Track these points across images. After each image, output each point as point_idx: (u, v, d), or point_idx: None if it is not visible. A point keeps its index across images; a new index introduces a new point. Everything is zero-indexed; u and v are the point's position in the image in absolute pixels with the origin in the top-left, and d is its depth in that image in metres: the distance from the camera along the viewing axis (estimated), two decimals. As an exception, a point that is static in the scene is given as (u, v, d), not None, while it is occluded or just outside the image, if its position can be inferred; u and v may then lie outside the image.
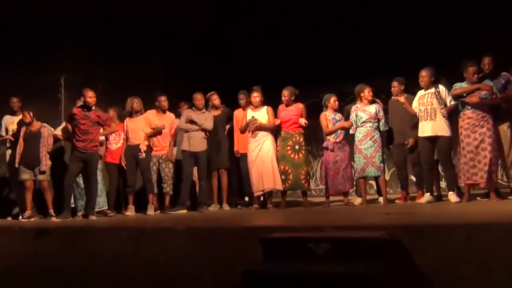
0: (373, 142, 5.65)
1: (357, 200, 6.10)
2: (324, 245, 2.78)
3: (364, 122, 5.72)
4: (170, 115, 6.58)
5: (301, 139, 5.95)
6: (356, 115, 5.78)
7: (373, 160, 5.63)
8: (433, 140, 5.32)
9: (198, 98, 6.39)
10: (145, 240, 3.69)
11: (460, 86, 5.22)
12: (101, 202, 6.16)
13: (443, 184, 6.03)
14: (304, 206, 5.93)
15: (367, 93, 5.78)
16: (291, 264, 2.80)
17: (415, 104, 5.47)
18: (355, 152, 5.77)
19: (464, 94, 5.17)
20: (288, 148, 5.89)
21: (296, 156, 5.87)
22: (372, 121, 5.71)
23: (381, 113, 5.79)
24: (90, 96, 5.69)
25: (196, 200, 6.40)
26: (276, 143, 5.98)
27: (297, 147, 5.90)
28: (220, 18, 7.63)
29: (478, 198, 5.42)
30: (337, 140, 5.85)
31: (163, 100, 6.48)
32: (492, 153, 5.02)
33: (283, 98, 6.03)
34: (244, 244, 3.24)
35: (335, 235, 2.90)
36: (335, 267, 2.76)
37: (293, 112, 5.99)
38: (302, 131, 5.99)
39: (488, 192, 5.24)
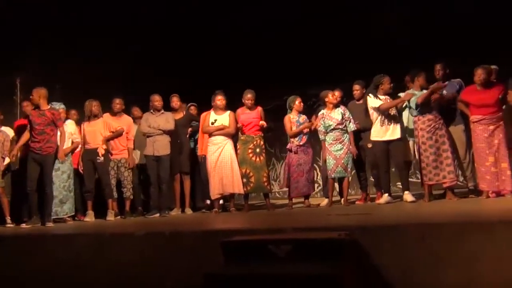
0: (342, 144, 5.79)
1: (324, 201, 6.19)
2: (284, 247, 2.81)
3: (332, 129, 5.82)
4: (127, 118, 6.48)
5: (261, 142, 6.01)
6: (324, 122, 5.88)
7: (342, 161, 5.77)
8: (388, 143, 5.51)
9: (156, 99, 6.32)
10: (104, 246, 3.62)
11: (413, 93, 5.41)
12: (67, 209, 6.00)
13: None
14: (267, 209, 5.97)
15: (330, 97, 5.88)
16: (251, 266, 2.82)
17: (378, 103, 5.60)
18: (327, 155, 5.87)
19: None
20: (249, 151, 5.92)
21: (258, 159, 5.92)
22: (340, 126, 5.83)
23: (347, 115, 5.89)
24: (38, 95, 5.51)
25: (149, 204, 6.32)
26: (236, 147, 5.98)
27: (258, 150, 5.95)
28: (180, 19, 7.53)
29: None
30: (301, 143, 5.93)
31: (118, 103, 6.38)
32: (453, 153, 5.26)
33: (248, 101, 6.04)
34: (205, 248, 3.23)
35: (295, 236, 2.94)
36: (295, 268, 2.79)
37: (253, 116, 6.03)
38: (262, 134, 6.03)
39: (445, 192, 5.44)
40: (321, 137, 5.89)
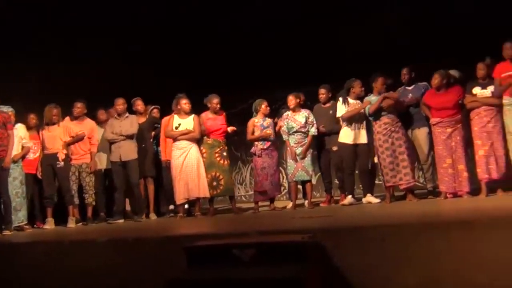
0: (303, 148, 5.87)
1: (289, 205, 6.24)
2: (248, 251, 2.82)
3: (295, 131, 5.89)
4: (89, 122, 6.33)
5: (226, 147, 6.04)
6: (287, 124, 5.94)
7: (303, 164, 5.83)
8: (355, 146, 5.64)
9: (119, 103, 6.22)
10: (64, 254, 3.53)
11: (370, 100, 5.57)
12: (22, 216, 5.79)
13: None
14: (234, 212, 5.96)
15: (289, 101, 5.98)
16: (215, 271, 2.80)
17: (342, 112, 5.72)
18: (287, 158, 5.90)
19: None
20: (217, 155, 5.92)
21: (225, 162, 5.93)
22: (303, 130, 5.90)
23: (311, 119, 5.96)
24: None
25: (112, 210, 6.22)
26: (202, 150, 5.95)
27: (224, 153, 5.97)
28: (139, 22, 7.42)
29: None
30: (265, 147, 5.96)
31: (79, 107, 6.23)
32: (410, 156, 5.39)
33: (215, 105, 6.02)
34: (169, 253, 3.19)
35: (259, 240, 2.95)
36: (259, 272, 2.80)
37: (221, 121, 6.02)
38: (226, 140, 6.05)
39: (405, 193, 5.58)
40: (284, 137, 5.96)
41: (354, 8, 6.90)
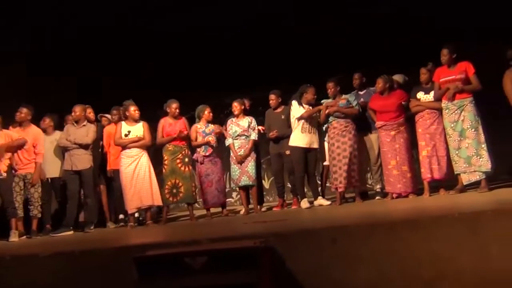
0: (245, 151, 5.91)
1: (243, 210, 6.24)
2: (200, 259, 2.79)
3: (238, 135, 5.95)
4: (34, 129, 6.01)
5: (189, 152, 5.95)
6: (232, 128, 5.98)
7: (246, 169, 5.87)
8: (306, 151, 5.75)
9: (75, 110, 6.01)
10: (4, 270, 3.35)
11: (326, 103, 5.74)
12: None
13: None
14: (191, 219, 5.89)
15: (233, 108, 6.05)
16: (166, 281, 2.76)
17: (300, 112, 5.78)
18: (231, 163, 5.93)
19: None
20: (178, 161, 5.83)
21: (186, 169, 5.85)
22: (246, 134, 5.96)
23: (253, 124, 6.03)
24: None
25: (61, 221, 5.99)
26: (163, 157, 5.86)
27: (186, 160, 5.87)
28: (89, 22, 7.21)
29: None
30: (207, 154, 5.94)
31: (22, 112, 5.91)
32: (352, 160, 5.53)
33: (174, 110, 5.92)
34: (118, 265, 3.11)
35: (211, 247, 2.93)
36: (212, 279, 2.78)
37: (180, 126, 5.93)
38: (188, 145, 5.97)
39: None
40: (229, 140, 5.99)
41: (303, 11, 7.01)
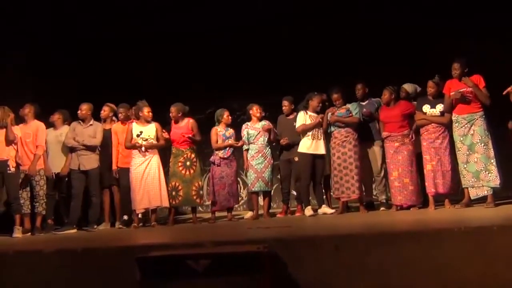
0: (264, 158, 5.92)
1: (248, 214, 6.23)
2: (203, 262, 2.79)
3: (255, 138, 5.94)
4: (35, 124, 5.96)
5: (193, 155, 5.92)
6: (248, 133, 5.99)
7: (263, 175, 5.88)
8: (313, 157, 5.73)
9: (82, 108, 6.02)
10: (8, 265, 3.36)
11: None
12: None
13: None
14: (193, 222, 5.89)
15: (255, 110, 6.04)
16: (169, 283, 2.76)
17: (299, 123, 5.81)
18: (248, 168, 5.95)
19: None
20: (179, 164, 5.84)
21: (187, 172, 5.84)
22: (264, 136, 5.96)
23: (268, 124, 6.01)
24: None
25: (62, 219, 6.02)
26: (169, 159, 5.88)
27: (188, 163, 5.87)
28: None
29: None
30: (225, 156, 5.94)
31: (27, 107, 5.92)
32: (352, 170, 5.50)
33: (170, 114, 5.96)
34: (121, 264, 3.11)
35: (214, 251, 2.93)
36: (215, 282, 2.78)
37: (183, 129, 5.94)
38: (194, 147, 5.98)
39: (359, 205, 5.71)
40: (245, 147, 5.99)
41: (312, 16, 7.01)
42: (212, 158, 5.99)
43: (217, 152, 5.95)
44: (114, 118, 6.41)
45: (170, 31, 7.40)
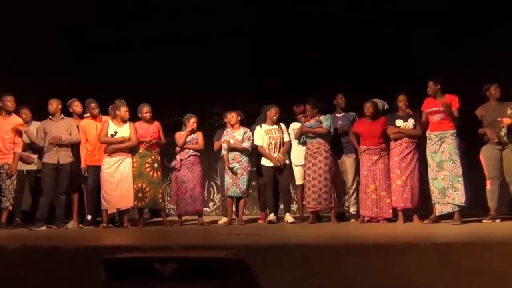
0: (239, 165, 5.94)
1: (223, 219, 6.22)
2: (170, 265, 2.76)
3: (232, 148, 5.97)
4: (15, 119, 5.88)
5: (159, 158, 5.92)
6: (227, 139, 6.01)
7: (238, 181, 5.89)
8: (274, 168, 5.93)
9: (52, 103, 5.94)
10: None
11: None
12: None
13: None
14: (164, 225, 5.83)
15: (230, 117, 6.07)
16: (134, 286, 2.72)
17: (262, 135, 5.99)
18: (225, 172, 5.97)
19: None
20: (147, 165, 5.78)
21: (155, 174, 5.80)
22: (239, 146, 5.97)
23: (247, 134, 6.04)
24: None
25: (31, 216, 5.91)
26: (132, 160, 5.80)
27: (156, 165, 5.83)
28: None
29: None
30: (183, 158, 5.93)
31: (9, 100, 5.81)
32: (322, 181, 5.56)
33: (146, 114, 5.90)
34: (86, 265, 3.05)
35: (182, 255, 2.90)
36: (181, 287, 2.75)
37: (152, 130, 5.90)
38: (159, 150, 5.94)
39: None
40: (223, 151, 6.00)
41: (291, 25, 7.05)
42: (173, 163, 5.98)
43: (178, 156, 5.96)
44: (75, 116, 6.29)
45: (146, 36, 7.36)
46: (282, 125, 6.06)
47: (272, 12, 6.95)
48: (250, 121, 6.39)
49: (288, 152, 6.06)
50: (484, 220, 5.01)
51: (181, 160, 5.95)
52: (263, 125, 6.07)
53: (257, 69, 7.25)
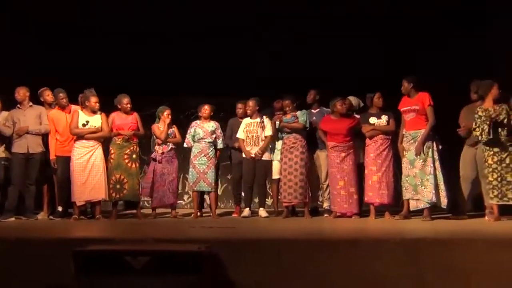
0: (207, 159, 5.89)
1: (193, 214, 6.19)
2: (141, 258, 2.74)
3: (201, 138, 5.93)
4: None
5: (138, 149, 5.83)
6: (195, 131, 5.97)
7: (205, 176, 5.86)
8: (254, 162, 5.90)
9: (19, 92, 5.79)
10: None
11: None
12: None
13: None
14: (138, 217, 5.77)
15: (203, 110, 6.04)
16: (104, 278, 2.70)
17: (243, 128, 5.95)
18: (189, 166, 5.91)
19: None
20: (126, 156, 5.69)
21: (133, 166, 5.71)
22: (209, 138, 5.94)
23: (219, 132, 6.05)
24: None
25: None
26: (110, 151, 5.72)
27: (134, 156, 5.74)
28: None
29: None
30: (164, 151, 5.89)
31: None
32: (297, 176, 5.61)
33: (125, 105, 5.80)
34: (56, 257, 3.01)
35: (153, 248, 2.89)
36: (152, 281, 2.74)
37: (131, 121, 5.82)
38: (137, 141, 5.87)
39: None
40: (188, 144, 6.01)
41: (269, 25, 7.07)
42: (153, 155, 5.93)
43: (157, 148, 5.88)
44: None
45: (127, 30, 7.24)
46: (265, 119, 5.99)
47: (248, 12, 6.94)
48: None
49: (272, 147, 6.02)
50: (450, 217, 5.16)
51: (162, 153, 5.89)
52: (246, 118, 6.02)
53: (232, 62, 7.25)
